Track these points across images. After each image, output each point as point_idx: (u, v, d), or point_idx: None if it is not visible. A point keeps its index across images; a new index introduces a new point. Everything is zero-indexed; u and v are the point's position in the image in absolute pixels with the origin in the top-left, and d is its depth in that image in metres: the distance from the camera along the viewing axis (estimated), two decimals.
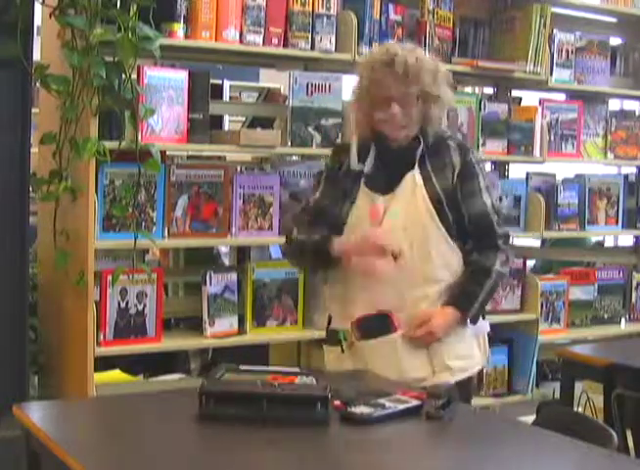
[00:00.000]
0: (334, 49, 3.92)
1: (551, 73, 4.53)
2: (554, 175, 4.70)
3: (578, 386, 3.63)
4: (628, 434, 3.01)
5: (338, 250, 2.74)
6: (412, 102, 2.72)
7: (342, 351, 2.82)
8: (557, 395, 3.86)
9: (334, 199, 2.82)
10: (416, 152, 2.76)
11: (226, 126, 5.23)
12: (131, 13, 3.24)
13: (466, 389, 2.78)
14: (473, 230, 2.78)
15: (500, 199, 4.38)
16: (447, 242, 2.74)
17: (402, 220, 2.72)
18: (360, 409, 2.23)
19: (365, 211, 2.76)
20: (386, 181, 2.77)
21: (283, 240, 3.00)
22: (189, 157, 4.62)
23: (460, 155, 2.78)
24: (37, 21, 3.51)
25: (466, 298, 2.75)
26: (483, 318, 2.87)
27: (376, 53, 2.85)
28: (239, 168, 4.29)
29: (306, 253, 2.83)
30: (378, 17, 4.00)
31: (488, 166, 4.69)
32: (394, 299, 2.73)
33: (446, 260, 2.75)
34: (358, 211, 2.78)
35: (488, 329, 2.91)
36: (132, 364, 4.13)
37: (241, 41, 3.69)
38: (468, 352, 2.81)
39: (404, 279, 2.71)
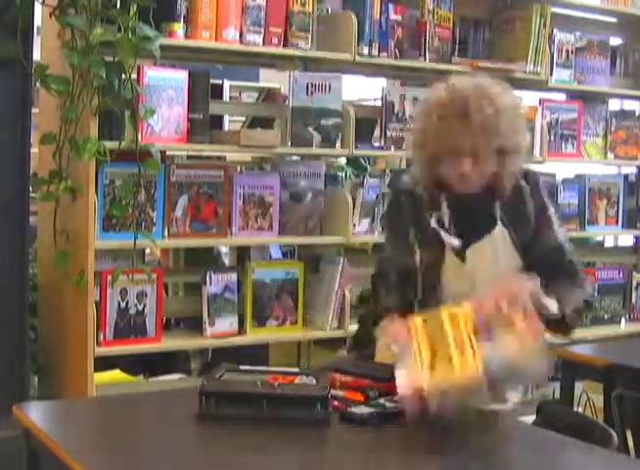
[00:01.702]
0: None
1: (551, 73, 4.53)
2: (554, 175, 4.70)
3: (578, 386, 3.63)
4: (628, 434, 3.00)
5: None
6: (488, 157, 2.38)
7: None
8: (557, 395, 3.85)
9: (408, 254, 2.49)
10: (494, 204, 2.47)
11: (226, 126, 5.23)
12: (131, 13, 3.24)
13: None
14: (546, 262, 2.48)
15: None
16: None
17: (488, 275, 2.46)
18: (360, 409, 2.23)
19: (454, 265, 2.48)
20: (466, 235, 2.48)
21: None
22: (189, 157, 4.62)
23: (533, 199, 2.50)
24: (37, 21, 3.51)
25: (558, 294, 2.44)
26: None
27: (442, 97, 2.39)
28: (239, 168, 4.29)
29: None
30: (378, 17, 4.00)
31: None
32: None
33: None
34: (448, 267, 2.49)
35: None
36: (132, 364, 4.12)
37: (241, 41, 3.69)
38: None
39: None
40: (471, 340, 2.15)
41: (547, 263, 2.48)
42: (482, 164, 2.38)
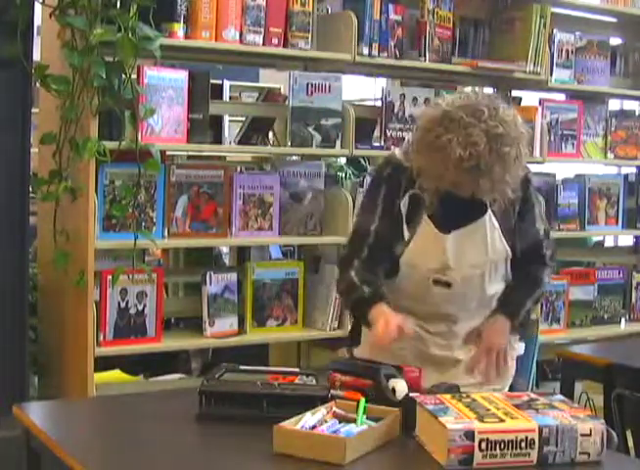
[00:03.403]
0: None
1: (551, 73, 4.53)
2: (554, 175, 4.70)
3: (578, 386, 3.63)
4: (628, 434, 3.00)
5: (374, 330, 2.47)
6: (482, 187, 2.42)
7: None
8: None
9: (393, 228, 2.56)
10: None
11: (226, 126, 5.23)
12: (131, 13, 3.24)
13: None
14: (523, 253, 2.66)
15: None
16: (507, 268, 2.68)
17: (473, 259, 2.59)
18: None
19: (426, 246, 2.57)
20: (453, 219, 2.56)
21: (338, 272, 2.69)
22: (189, 157, 4.62)
23: (521, 190, 2.58)
24: (37, 21, 3.51)
25: (514, 306, 2.68)
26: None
27: (457, 151, 2.33)
28: (239, 168, 4.29)
29: (350, 300, 2.62)
30: (378, 17, 4.00)
31: None
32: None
33: (499, 280, 2.67)
34: (417, 246, 2.57)
35: (521, 352, 2.88)
36: (132, 364, 4.12)
37: (241, 41, 3.69)
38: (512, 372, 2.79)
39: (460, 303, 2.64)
40: None
41: (524, 252, 2.66)
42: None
